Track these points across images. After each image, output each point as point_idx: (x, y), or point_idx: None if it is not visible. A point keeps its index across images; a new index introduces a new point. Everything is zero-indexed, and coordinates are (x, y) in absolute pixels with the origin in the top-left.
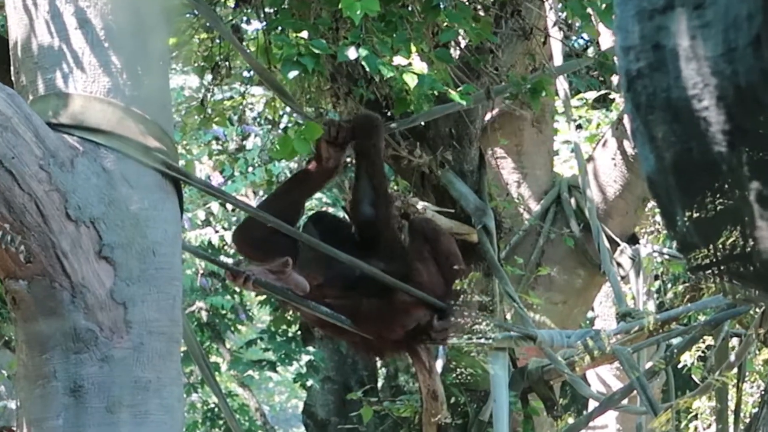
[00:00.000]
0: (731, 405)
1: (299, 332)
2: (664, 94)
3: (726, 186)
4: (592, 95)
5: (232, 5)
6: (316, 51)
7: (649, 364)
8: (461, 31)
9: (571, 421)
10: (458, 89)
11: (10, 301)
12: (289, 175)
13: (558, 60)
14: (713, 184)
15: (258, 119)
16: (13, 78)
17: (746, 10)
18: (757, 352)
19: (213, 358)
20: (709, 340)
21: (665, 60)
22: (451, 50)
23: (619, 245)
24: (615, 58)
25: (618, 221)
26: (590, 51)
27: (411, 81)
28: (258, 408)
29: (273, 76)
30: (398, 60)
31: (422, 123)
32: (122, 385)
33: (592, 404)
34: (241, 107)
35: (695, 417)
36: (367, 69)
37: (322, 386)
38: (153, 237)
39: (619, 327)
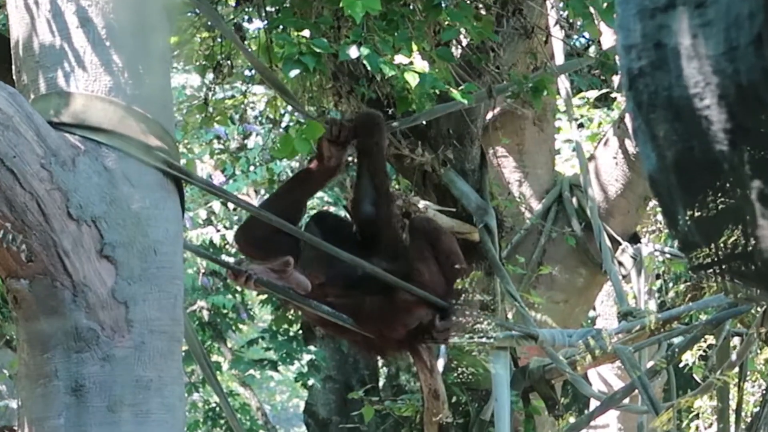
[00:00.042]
0: (732, 404)
1: (300, 331)
2: (666, 93)
3: (727, 185)
4: (593, 94)
5: (234, 4)
6: (318, 50)
7: (650, 364)
8: (463, 30)
9: (572, 420)
10: (460, 88)
11: (12, 300)
12: (290, 174)
13: (559, 59)
14: (715, 183)
15: (259, 118)
16: (14, 77)
17: (747, 8)
18: (759, 351)
19: (214, 358)
20: (711, 340)
21: (667, 59)
22: (453, 49)
23: (620, 244)
24: (616, 57)
25: (619, 220)
26: (592, 50)
27: (412, 80)
28: (259, 407)
29: (274, 74)
30: (400, 59)
31: (424, 122)
32: (123, 385)
33: (594, 403)
34: (242, 106)
35: (696, 416)
36: (369, 68)
37: (324, 385)
38: (154, 236)
39: (620, 326)
